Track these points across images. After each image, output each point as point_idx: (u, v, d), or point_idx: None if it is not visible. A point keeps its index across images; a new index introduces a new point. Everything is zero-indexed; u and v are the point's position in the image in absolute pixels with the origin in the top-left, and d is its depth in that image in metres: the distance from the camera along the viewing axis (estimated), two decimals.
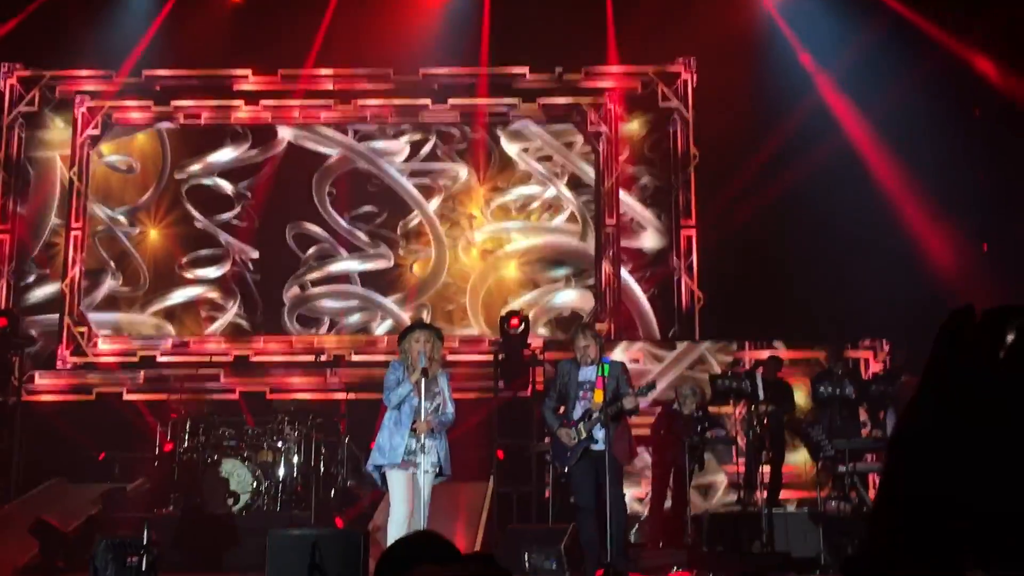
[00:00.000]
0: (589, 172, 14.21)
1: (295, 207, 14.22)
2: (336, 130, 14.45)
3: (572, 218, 14.20)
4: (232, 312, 14.02)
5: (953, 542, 1.26)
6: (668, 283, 13.95)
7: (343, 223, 14.20)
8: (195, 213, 14.22)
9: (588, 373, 7.96)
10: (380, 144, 14.44)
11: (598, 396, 7.81)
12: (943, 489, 1.29)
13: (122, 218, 14.28)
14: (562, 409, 8.09)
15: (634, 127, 14.35)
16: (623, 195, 14.08)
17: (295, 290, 14.07)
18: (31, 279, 14.16)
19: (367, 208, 14.25)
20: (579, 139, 14.32)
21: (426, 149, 14.39)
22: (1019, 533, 1.21)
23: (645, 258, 14.07)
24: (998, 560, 1.23)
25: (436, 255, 14.10)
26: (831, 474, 10.70)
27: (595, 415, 7.77)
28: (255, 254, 14.12)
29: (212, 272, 14.13)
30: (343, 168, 14.38)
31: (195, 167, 14.35)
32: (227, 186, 14.33)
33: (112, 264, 14.12)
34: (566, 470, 8.16)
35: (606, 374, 7.87)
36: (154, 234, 14.21)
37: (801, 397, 11.70)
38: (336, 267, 14.18)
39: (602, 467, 7.79)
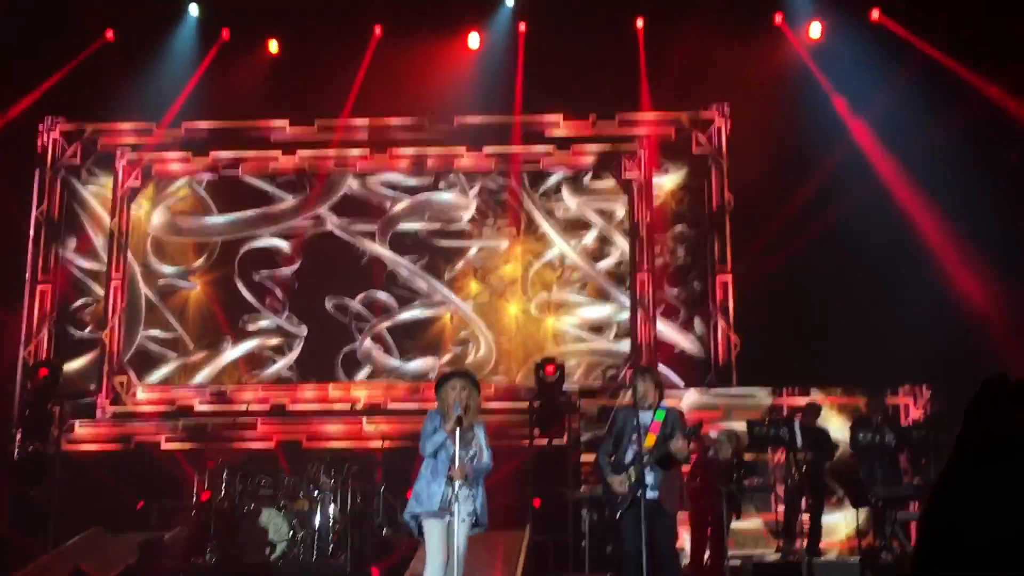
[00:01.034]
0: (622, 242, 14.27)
1: (348, 267, 14.39)
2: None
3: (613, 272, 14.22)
4: (282, 363, 14.11)
5: None
6: (703, 330, 13.88)
7: (405, 273, 14.28)
8: (247, 271, 14.37)
9: (644, 418, 7.78)
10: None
11: (649, 440, 7.65)
12: (980, 542, 1.30)
13: (176, 276, 14.46)
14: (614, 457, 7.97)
15: (668, 179, 14.35)
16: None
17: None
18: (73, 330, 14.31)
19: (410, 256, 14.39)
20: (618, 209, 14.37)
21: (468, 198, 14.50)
22: None
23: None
24: None
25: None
26: (872, 523, 10.57)
27: (645, 459, 7.68)
28: (303, 329, 14.20)
29: (266, 324, 14.23)
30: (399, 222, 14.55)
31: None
32: (282, 244, 14.49)
33: (171, 318, 14.26)
34: (618, 516, 7.97)
35: (662, 419, 7.74)
36: (204, 291, 14.36)
37: (836, 431, 11.60)
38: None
39: (651, 516, 7.70)
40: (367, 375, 14.06)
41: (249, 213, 14.55)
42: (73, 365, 14.03)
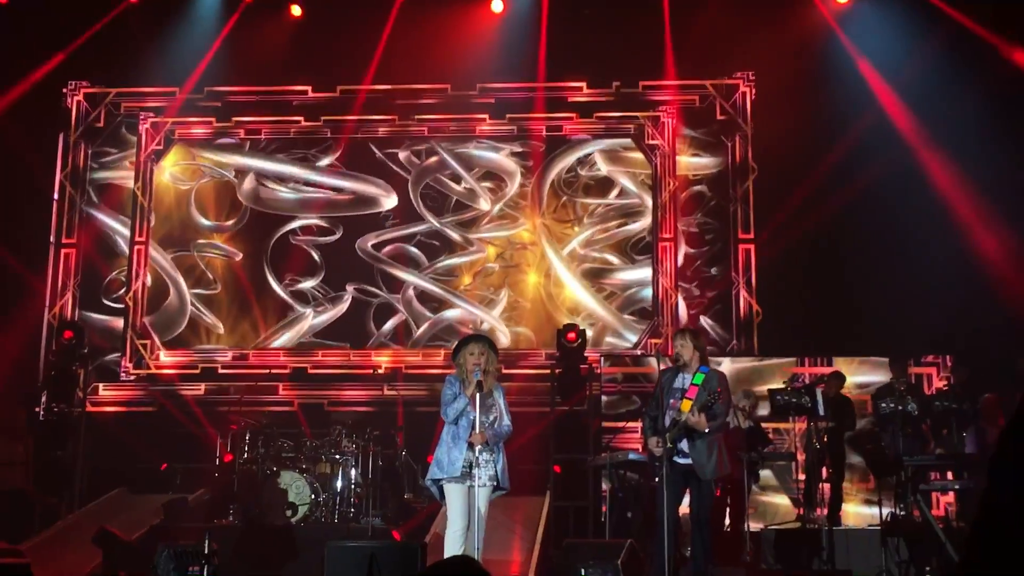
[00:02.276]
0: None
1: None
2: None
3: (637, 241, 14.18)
4: (313, 325, 14.20)
5: None
6: (725, 298, 13.84)
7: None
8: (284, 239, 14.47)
9: (681, 381, 7.73)
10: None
11: (685, 405, 7.56)
12: None
13: (214, 235, 14.54)
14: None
15: (696, 160, 14.26)
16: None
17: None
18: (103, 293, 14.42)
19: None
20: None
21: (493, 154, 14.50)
22: None
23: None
24: None
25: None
26: (894, 492, 10.54)
27: (680, 424, 7.58)
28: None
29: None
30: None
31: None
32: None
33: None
34: (655, 480, 7.87)
35: (700, 383, 7.63)
36: (240, 254, 14.46)
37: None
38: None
39: (686, 481, 7.66)
40: (392, 327, 14.11)
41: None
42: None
